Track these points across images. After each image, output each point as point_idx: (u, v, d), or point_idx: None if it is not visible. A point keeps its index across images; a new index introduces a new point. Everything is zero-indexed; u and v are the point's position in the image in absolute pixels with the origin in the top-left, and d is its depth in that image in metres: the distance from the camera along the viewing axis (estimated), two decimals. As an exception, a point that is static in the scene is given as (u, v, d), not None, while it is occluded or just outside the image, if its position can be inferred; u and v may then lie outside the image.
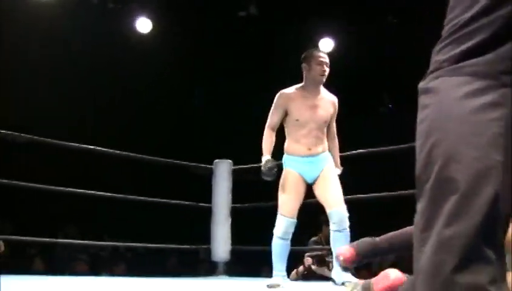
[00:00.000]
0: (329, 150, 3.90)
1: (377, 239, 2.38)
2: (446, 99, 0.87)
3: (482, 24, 0.87)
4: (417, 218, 0.89)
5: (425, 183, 0.86)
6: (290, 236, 3.78)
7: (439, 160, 0.85)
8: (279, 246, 3.76)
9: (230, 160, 5.50)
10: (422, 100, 0.91)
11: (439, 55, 0.92)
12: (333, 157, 3.92)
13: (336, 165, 3.92)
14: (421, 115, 0.91)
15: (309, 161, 3.75)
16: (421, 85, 0.93)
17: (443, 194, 0.83)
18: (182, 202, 5.65)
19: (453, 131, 0.84)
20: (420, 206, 0.88)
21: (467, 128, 0.84)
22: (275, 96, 3.85)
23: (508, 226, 0.87)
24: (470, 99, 0.85)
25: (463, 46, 0.88)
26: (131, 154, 5.29)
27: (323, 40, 8.16)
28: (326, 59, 3.81)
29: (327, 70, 3.79)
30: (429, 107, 0.90)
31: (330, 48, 7.95)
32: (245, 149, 4.77)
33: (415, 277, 0.86)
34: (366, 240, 2.40)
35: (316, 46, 4.71)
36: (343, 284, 3.37)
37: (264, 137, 3.84)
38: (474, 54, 0.87)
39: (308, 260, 5.57)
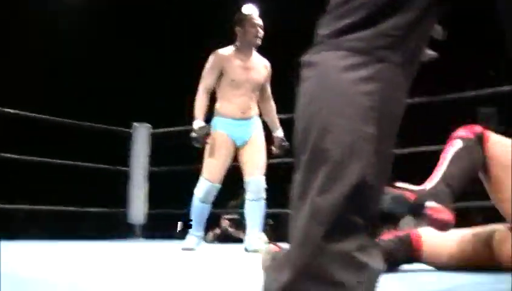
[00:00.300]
0: (264, 114, 3.91)
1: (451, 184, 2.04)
2: (325, 72, 0.88)
3: (364, 1, 0.88)
4: (294, 187, 0.89)
5: (302, 154, 0.88)
6: (211, 200, 3.75)
7: (315, 131, 0.86)
8: (199, 208, 3.72)
9: (149, 124, 5.48)
10: (304, 73, 0.91)
11: (322, 29, 0.93)
12: (272, 119, 3.94)
13: (275, 127, 3.95)
14: (301, 88, 0.91)
15: (241, 124, 3.74)
16: (304, 58, 0.93)
17: (317, 164, 0.85)
18: (99, 165, 5.59)
19: (329, 103, 0.86)
20: (297, 176, 0.89)
21: (341, 100, 0.85)
22: (195, 59, 3.79)
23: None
24: (347, 73, 0.86)
25: (344, 22, 0.89)
26: (50, 118, 5.18)
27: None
28: (260, 22, 3.79)
29: (262, 32, 3.78)
30: (309, 80, 0.90)
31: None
32: (166, 113, 4.76)
33: (290, 245, 0.87)
34: (444, 191, 1.92)
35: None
36: (254, 251, 3.36)
37: (197, 99, 3.73)
38: (354, 30, 0.88)
39: (225, 222, 5.65)
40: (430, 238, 2.00)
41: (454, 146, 1.93)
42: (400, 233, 2.06)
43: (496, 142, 1.97)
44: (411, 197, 1.78)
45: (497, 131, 2.01)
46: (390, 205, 1.74)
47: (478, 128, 2.00)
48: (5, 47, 8.19)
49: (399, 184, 1.80)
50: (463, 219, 2.13)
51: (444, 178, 1.84)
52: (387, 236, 2.03)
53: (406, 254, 1.98)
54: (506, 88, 4.18)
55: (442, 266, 2.01)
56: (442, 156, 1.94)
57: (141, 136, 5.38)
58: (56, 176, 7.51)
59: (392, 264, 1.95)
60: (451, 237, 1.99)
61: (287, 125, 4.33)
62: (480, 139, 1.95)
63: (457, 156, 1.90)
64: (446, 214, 1.78)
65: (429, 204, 1.78)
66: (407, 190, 1.80)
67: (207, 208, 3.75)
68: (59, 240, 4.78)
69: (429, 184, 1.83)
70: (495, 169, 1.93)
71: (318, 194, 0.84)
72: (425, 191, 1.80)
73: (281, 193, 3.71)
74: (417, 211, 1.78)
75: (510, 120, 6.27)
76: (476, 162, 1.93)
